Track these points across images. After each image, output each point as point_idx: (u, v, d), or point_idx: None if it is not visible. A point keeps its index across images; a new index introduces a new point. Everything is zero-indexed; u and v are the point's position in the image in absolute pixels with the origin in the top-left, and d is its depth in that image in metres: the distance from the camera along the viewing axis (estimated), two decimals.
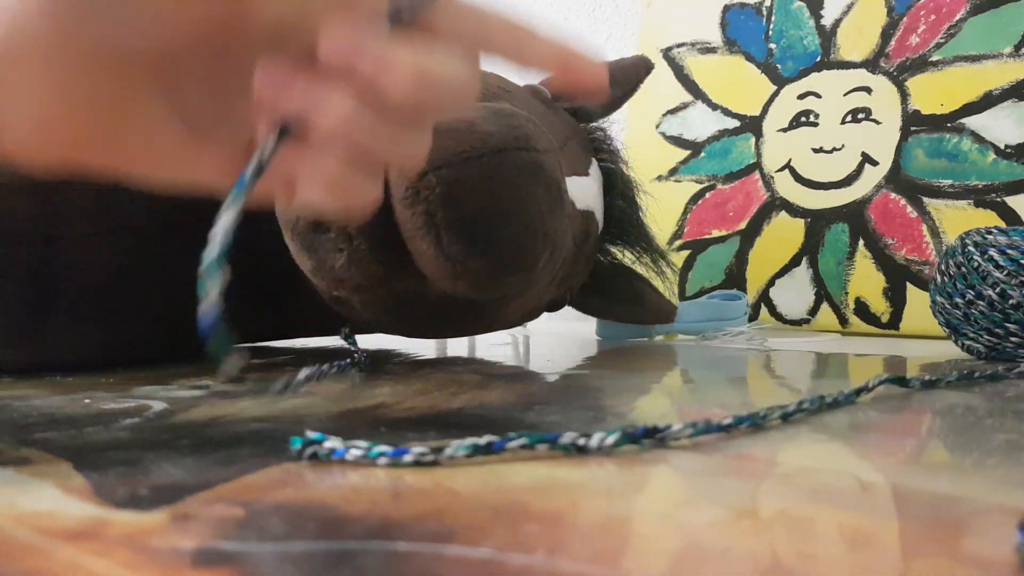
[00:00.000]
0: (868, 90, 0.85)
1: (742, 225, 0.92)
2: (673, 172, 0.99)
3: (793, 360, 0.55)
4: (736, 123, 0.95)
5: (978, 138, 0.77)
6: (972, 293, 0.51)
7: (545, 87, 0.58)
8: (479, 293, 0.41)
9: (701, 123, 0.98)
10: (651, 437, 0.25)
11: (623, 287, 0.64)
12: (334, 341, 0.60)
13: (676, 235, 0.96)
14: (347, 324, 0.54)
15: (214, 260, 0.22)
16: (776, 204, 0.90)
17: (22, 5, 0.20)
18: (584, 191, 0.52)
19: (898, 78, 0.84)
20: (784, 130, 0.91)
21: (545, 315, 0.59)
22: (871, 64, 0.86)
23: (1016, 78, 0.76)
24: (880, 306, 0.81)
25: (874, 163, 0.84)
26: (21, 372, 0.45)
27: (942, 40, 0.81)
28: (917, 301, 0.78)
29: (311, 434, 0.24)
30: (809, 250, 0.86)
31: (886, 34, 0.86)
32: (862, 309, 0.82)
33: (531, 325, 0.84)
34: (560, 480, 0.22)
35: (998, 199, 0.75)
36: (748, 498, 0.20)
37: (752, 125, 0.94)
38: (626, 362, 0.54)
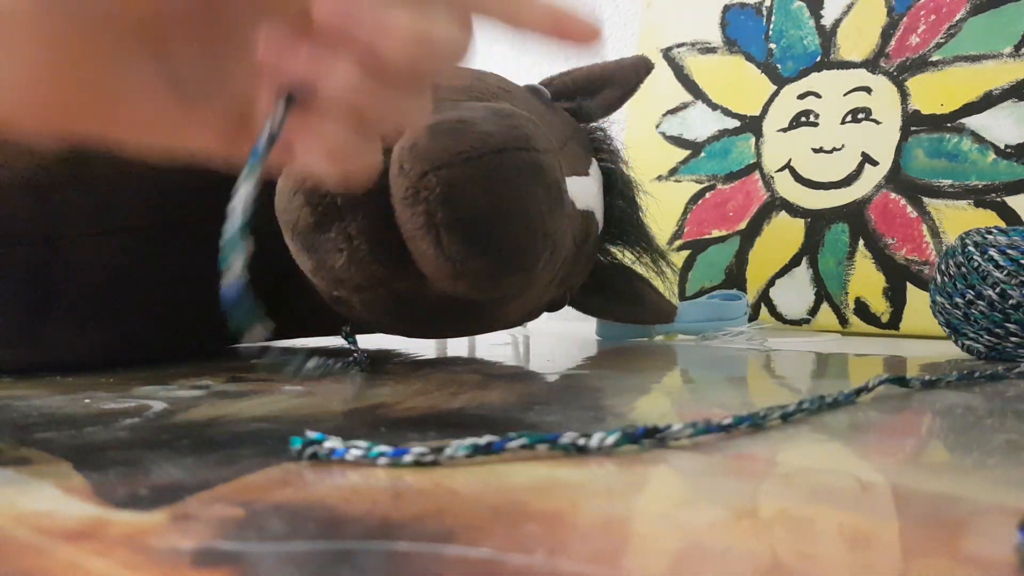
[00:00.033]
0: (868, 90, 0.85)
1: (742, 225, 0.92)
2: (673, 172, 0.99)
3: (793, 360, 0.55)
4: (736, 123, 0.95)
5: (978, 138, 0.77)
6: (972, 293, 0.51)
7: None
8: (479, 293, 0.41)
9: (701, 123, 0.98)
10: (651, 437, 0.25)
11: (623, 287, 0.64)
12: (334, 341, 0.60)
13: (676, 235, 0.96)
14: (347, 324, 0.54)
15: (236, 232, 0.22)
16: (776, 204, 0.90)
17: None
18: (584, 191, 0.52)
19: (898, 78, 0.84)
20: (784, 130, 0.91)
21: (545, 315, 0.59)
22: (871, 64, 0.86)
23: (1016, 78, 0.76)
24: (880, 306, 0.81)
25: (874, 163, 0.84)
26: (21, 372, 0.45)
27: (942, 40, 0.81)
28: (917, 301, 0.78)
29: (311, 434, 0.24)
30: (809, 250, 0.86)
31: (886, 34, 0.86)
32: (862, 309, 0.82)
33: (531, 325, 0.84)
34: (560, 480, 0.22)
35: (998, 199, 0.75)
36: (748, 498, 0.20)
37: (752, 125, 0.94)
38: (626, 362, 0.54)
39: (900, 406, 0.34)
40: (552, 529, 0.17)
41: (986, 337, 0.52)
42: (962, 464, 0.25)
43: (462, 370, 0.47)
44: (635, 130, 1.03)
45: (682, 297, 0.93)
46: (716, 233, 0.94)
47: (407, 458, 0.23)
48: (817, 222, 0.86)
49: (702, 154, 0.97)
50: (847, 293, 0.83)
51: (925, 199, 0.79)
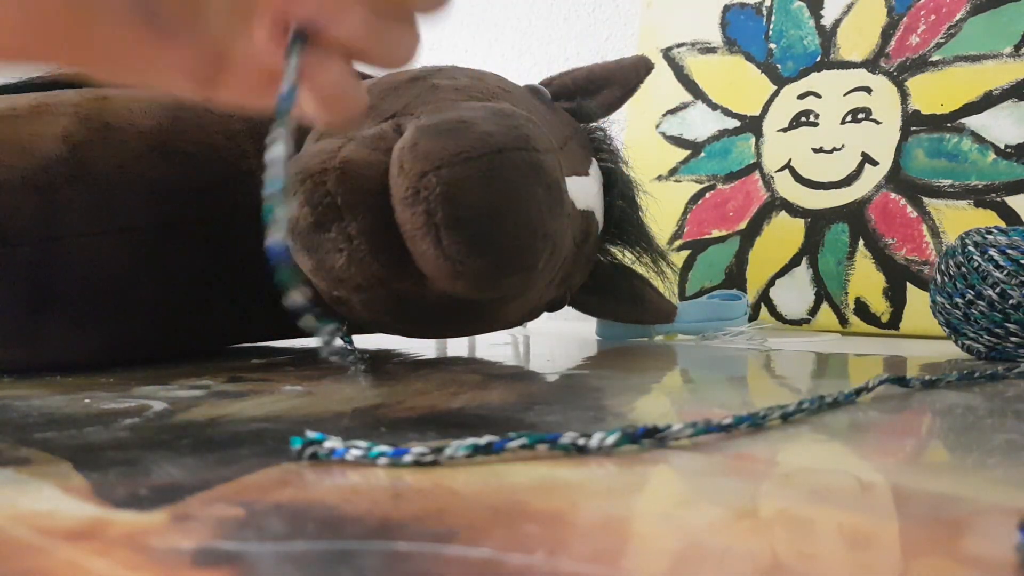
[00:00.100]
0: (868, 90, 0.85)
1: (742, 225, 0.92)
2: (673, 172, 0.99)
3: (793, 360, 0.55)
4: (736, 123, 0.95)
5: (978, 138, 0.77)
6: (972, 293, 0.51)
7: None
8: (479, 293, 0.41)
9: (701, 123, 0.98)
10: (651, 437, 0.25)
11: (623, 287, 0.64)
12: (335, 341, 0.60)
13: (676, 235, 0.96)
14: (343, 324, 0.54)
15: (280, 188, 0.22)
16: (776, 204, 0.90)
17: None
18: (584, 191, 0.52)
19: (898, 78, 0.84)
20: (784, 130, 0.91)
21: (545, 315, 0.59)
22: (871, 64, 0.86)
23: (1016, 78, 0.76)
24: (880, 306, 0.81)
25: (874, 163, 0.84)
26: (21, 372, 0.45)
27: (942, 40, 0.81)
28: (917, 301, 0.78)
29: (311, 434, 0.24)
30: (809, 250, 0.86)
31: (886, 34, 0.86)
32: (862, 309, 0.82)
33: (531, 325, 0.84)
34: (560, 480, 0.22)
35: (998, 199, 0.75)
36: (748, 498, 0.20)
37: (752, 125, 0.94)
38: (626, 362, 0.54)
39: (900, 406, 0.34)
40: (552, 529, 0.17)
41: (986, 337, 0.52)
42: (962, 464, 0.25)
43: (462, 370, 0.47)
44: (635, 130, 1.03)
45: (682, 297, 0.93)
46: (716, 233, 0.93)
47: (407, 458, 0.23)
48: (817, 222, 0.86)
49: (702, 154, 0.97)
50: (847, 293, 0.83)
51: (925, 199, 0.79)
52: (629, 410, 0.34)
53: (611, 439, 0.24)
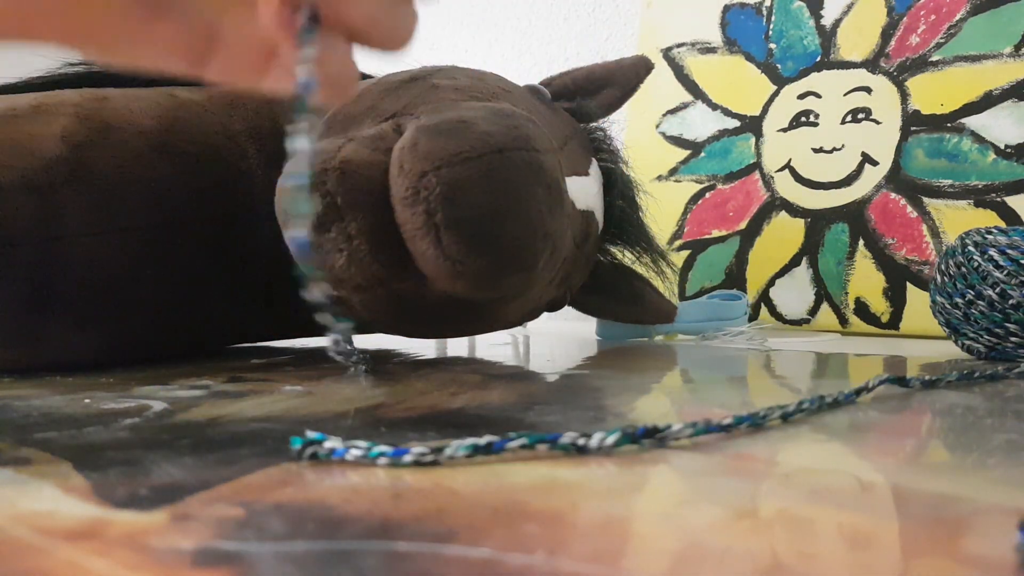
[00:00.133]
0: (868, 90, 0.85)
1: (742, 225, 0.92)
2: (673, 172, 0.99)
3: (793, 360, 0.55)
4: (736, 123, 0.95)
5: (978, 138, 0.77)
6: (972, 293, 0.51)
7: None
8: (479, 293, 0.41)
9: (701, 123, 0.98)
10: (651, 437, 0.25)
11: (623, 287, 0.64)
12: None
13: (676, 235, 0.96)
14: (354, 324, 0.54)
15: (303, 182, 0.22)
16: (776, 204, 0.90)
17: None
18: (584, 191, 0.52)
19: (898, 78, 0.84)
20: (784, 130, 0.91)
21: (545, 315, 0.59)
22: (871, 64, 0.86)
23: (1016, 78, 0.76)
24: (880, 306, 0.81)
25: (874, 163, 0.84)
26: (21, 372, 0.45)
27: (942, 40, 0.81)
28: (917, 301, 0.78)
29: (311, 434, 0.24)
30: (809, 250, 0.86)
31: (886, 34, 0.86)
32: (862, 309, 0.82)
33: (531, 325, 0.84)
34: (560, 480, 0.22)
35: (998, 199, 0.75)
36: (748, 498, 0.20)
37: (752, 125, 0.94)
38: (626, 362, 0.54)
39: (900, 406, 0.34)
40: (552, 529, 0.17)
41: (986, 337, 0.52)
42: (962, 464, 0.25)
43: (462, 370, 0.47)
44: (635, 130, 1.03)
45: (682, 297, 0.93)
46: (716, 233, 0.94)
47: (407, 458, 0.23)
48: (817, 222, 0.86)
49: (702, 154, 0.97)
50: (847, 293, 0.83)
51: (925, 199, 0.79)
52: (629, 410, 0.34)
53: (611, 439, 0.24)
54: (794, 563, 0.15)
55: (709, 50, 0.99)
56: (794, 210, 0.88)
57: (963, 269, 0.52)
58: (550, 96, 0.57)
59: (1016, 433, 0.28)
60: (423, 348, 0.61)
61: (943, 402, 0.35)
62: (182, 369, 0.46)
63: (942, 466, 0.25)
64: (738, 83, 0.96)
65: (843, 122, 0.87)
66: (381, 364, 0.50)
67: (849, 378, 0.47)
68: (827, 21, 0.90)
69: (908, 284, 0.79)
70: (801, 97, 0.90)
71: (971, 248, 0.52)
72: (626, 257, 0.64)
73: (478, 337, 0.70)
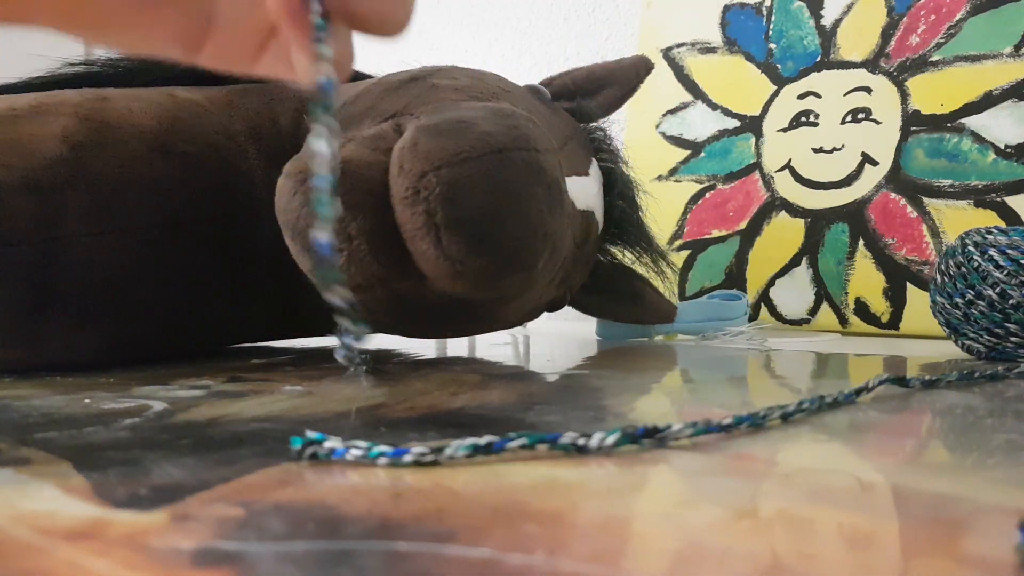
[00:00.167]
0: (868, 90, 0.85)
1: (742, 225, 0.92)
2: (673, 172, 0.99)
3: (793, 360, 0.55)
4: (736, 123, 0.95)
5: (978, 138, 0.77)
6: (972, 293, 0.51)
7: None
8: (479, 293, 0.41)
9: (701, 123, 0.98)
10: (651, 437, 0.25)
11: (623, 287, 0.64)
12: (334, 341, 0.60)
13: (676, 235, 0.96)
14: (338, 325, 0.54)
15: (327, 185, 0.22)
16: (776, 204, 0.90)
17: None
18: (584, 191, 0.52)
19: (898, 78, 0.84)
20: (784, 130, 0.91)
21: (545, 315, 0.59)
22: (871, 64, 0.86)
23: (1016, 78, 0.76)
24: (880, 306, 0.81)
25: (874, 163, 0.84)
26: (21, 372, 0.45)
27: (942, 40, 0.81)
28: (917, 301, 0.78)
29: (311, 434, 0.24)
30: (809, 250, 0.86)
31: (886, 34, 0.86)
32: (862, 309, 0.82)
33: (531, 325, 0.84)
34: (560, 480, 0.22)
35: (998, 199, 0.75)
36: (748, 498, 0.20)
37: (752, 125, 0.94)
38: (626, 362, 0.54)
39: (900, 406, 0.34)
40: (552, 529, 0.17)
41: (986, 337, 0.52)
42: (962, 464, 0.25)
43: (462, 370, 0.47)
44: (635, 130, 1.03)
45: (682, 297, 0.93)
46: (716, 233, 0.94)
47: (407, 458, 0.23)
48: (817, 222, 0.86)
49: (702, 154, 0.97)
50: (847, 293, 0.83)
51: (925, 199, 0.79)
52: (629, 410, 0.34)
53: (611, 439, 0.24)
54: (794, 563, 0.15)
55: (709, 50, 0.99)
56: (794, 210, 0.88)
57: (963, 269, 0.52)
58: (550, 96, 0.57)
59: (1016, 433, 0.28)
60: (423, 348, 0.61)
61: (943, 402, 0.35)
62: (182, 369, 0.46)
63: (942, 466, 0.25)
64: (738, 83, 0.96)
65: (843, 122, 0.87)
66: (381, 364, 0.50)
67: (849, 378, 0.47)
68: (827, 21, 0.90)
69: (908, 284, 0.79)
70: (801, 97, 0.90)
71: (971, 248, 0.52)
72: (626, 257, 0.64)
73: (478, 337, 0.70)
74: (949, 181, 0.78)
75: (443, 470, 0.22)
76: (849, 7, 0.89)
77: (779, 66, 0.93)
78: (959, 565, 0.15)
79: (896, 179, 0.82)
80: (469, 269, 0.38)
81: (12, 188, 0.43)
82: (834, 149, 0.87)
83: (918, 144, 0.81)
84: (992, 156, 0.76)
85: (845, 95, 0.87)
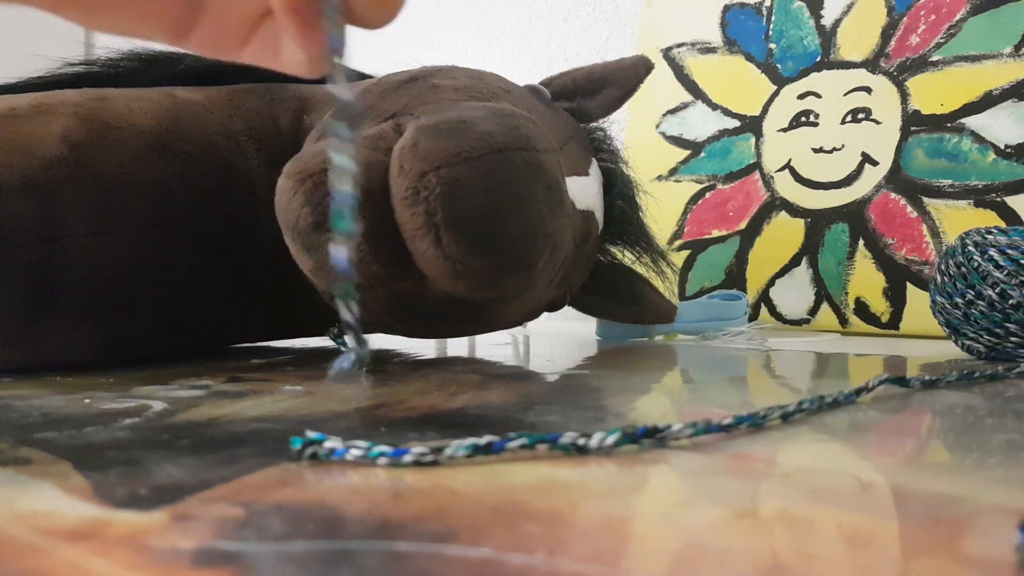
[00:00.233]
0: (868, 90, 0.85)
1: (742, 225, 0.92)
2: (673, 172, 0.99)
3: (793, 360, 0.55)
4: (736, 123, 0.95)
5: (978, 138, 0.77)
6: (972, 293, 0.51)
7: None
8: (479, 293, 0.41)
9: (701, 123, 0.98)
10: (651, 437, 0.25)
11: (623, 287, 0.64)
12: (331, 343, 0.60)
13: (676, 235, 0.96)
14: (336, 325, 0.54)
15: (350, 199, 0.22)
16: (776, 204, 0.90)
17: None
18: (584, 191, 0.52)
19: (898, 78, 0.84)
20: (784, 130, 0.91)
21: (545, 315, 0.59)
22: (871, 64, 0.86)
23: (1016, 78, 0.76)
24: (880, 306, 0.81)
25: (874, 163, 0.84)
26: (21, 372, 0.45)
27: (942, 40, 0.81)
28: (917, 301, 0.78)
29: (311, 434, 0.24)
30: (809, 250, 0.86)
31: (886, 34, 0.86)
32: (862, 309, 0.82)
33: (531, 325, 0.84)
34: (560, 480, 0.22)
35: (998, 199, 0.75)
36: (748, 498, 0.20)
37: (752, 125, 0.94)
38: (626, 362, 0.54)
39: (900, 406, 0.34)
40: (552, 529, 0.17)
41: (986, 337, 0.52)
42: (962, 464, 0.25)
43: (462, 370, 0.47)
44: (635, 130, 1.03)
45: (682, 297, 0.93)
46: (716, 233, 0.94)
47: (407, 458, 0.23)
48: (817, 222, 0.86)
49: (702, 154, 0.97)
50: (847, 293, 0.83)
51: (925, 199, 0.79)
52: (629, 410, 0.34)
53: (611, 439, 0.24)
54: (794, 563, 0.15)
55: (709, 50, 0.99)
56: (794, 210, 0.88)
57: (963, 269, 0.52)
58: (550, 96, 0.57)
59: (1016, 433, 0.28)
60: (423, 348, 0.61)
61: (943, 402, 0.35)
62: (182, 369, 0.46)
63: (942, 466, 0.25)
64: (738, 83, 0.96)
65: (843, 122, 0.87)
66: (381, 364, 0.50)
67: (849, 378, 0.47)
68: (827, 21, 0.90)
69: (908, 284, 0.79)
70: (801, 97, 0.90)
71: (971, 248, 0.52)
72: (626, 257, 0.64)
73: (478, 337, 0.70)
74: (949, 181, 0.78)
75: (443, 470, 0.22)
76: (849, 7, 0.89)
77: (779, 66, 0.93)
78: (959, 565, 0.15)
79: (896, 179, 0.82)
80: (469, 269, 0.38)
81: (12, 188, 0.43)
82: (834, 149, 0.87)
83: (918, 144, 0.81)
84: (992, 156, 0.76)
85: (845, 95, 0.87)
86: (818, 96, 0.89)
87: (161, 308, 0.49)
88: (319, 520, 0.18)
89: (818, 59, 0.90)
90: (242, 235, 0.50)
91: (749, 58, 0.96)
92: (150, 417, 0.31)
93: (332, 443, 0.24)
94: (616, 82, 0.62)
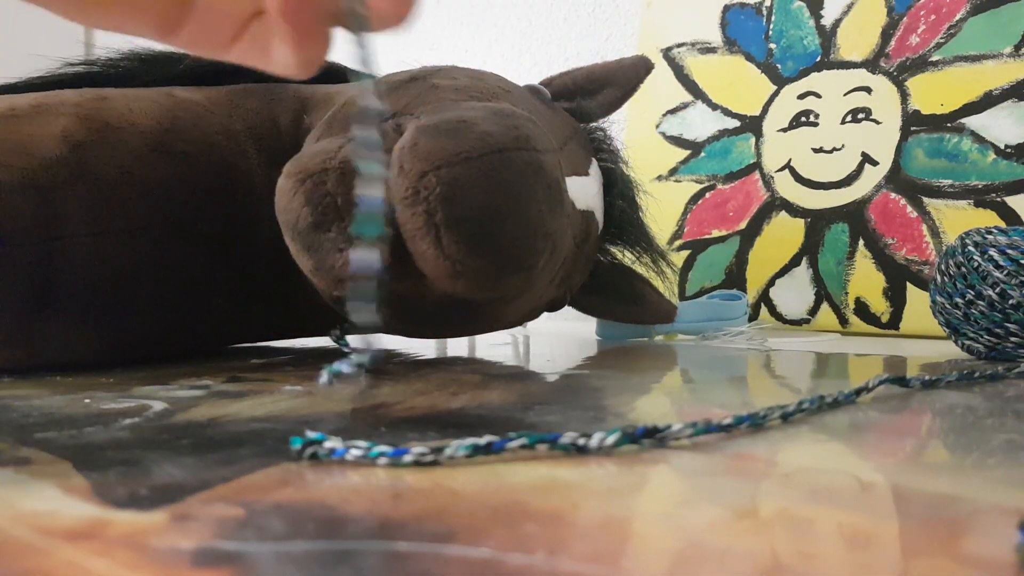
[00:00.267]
0: (868, 90, 0.85)
1: (742, 225, 0.92)
2: (673, 172, 0.99)
3: (793, 360, 0.55)
4: (736, 123, 0.95)
5: (978, 138, 0.77)
6: (972, 293, 0.51)
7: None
8: (479, 293, 0.41)
9: (701, 123, 0.98)
10: (651, 437, 0.25)
11: (623, 287, 0.64)
12: (333, 344, 0.60)
13: (676, 235, 0.96)
14: (338, 325, 0.54)
15: (379, 205, 0.22)
16: (776, 204, 0.90)
17: None
18: (584, 191, 0.52)
19: (898, 78, 0.84)
20: (784, 130, 0.91)
21: (545, 315, 0.59)
22: (871, 64, 0.86)
23: (1016, 78, 0.76)
24: (880, 306, 0.81)
25: (874, 163, 0.84)
26: (21, 372, 0.45)
27: (942, 40, 0.81)
28: (917, 301, 0.78)
29: (311, 434, 0.24)
30: (809, 250, 0.86)
31: (886, 34, 0.86)
32: (862, 309, 0.82)
33: (531, 325, 0.84)
34: (560, 480, 0.22)
35: (998, 199, 0.75)
36: (748, 498, 0.20)
37: (752, 125, 0.94)
38: (626, 362, 0.54)
39: (900, 406, 0.34)
40: (552, 529, 0.17)
41: (986, 337, 0.52)
42: (962, 464, 0.25)
43: (462, 370, 0.47)
44: (635, 130, 1.03)
45: (682, 297, 0.93)
46: (716, 233, 0.94)
47: (407, 458, 0.23)
48: (817, 222, 0.86)
49: (702, 154, 0.97)
50: (847, 293, 0.83)
51: (925, 199, 0.79)
52: (629, 410, 0.34)
53: (611, 439, 0.24)
54: (794, 563, 0.15)
55: (709, 50, 0.99)
56: (794, 210, 0.88)
57: (963, 269, 0.52)
58: (550, 96, 0.57)
59: (1016, 433, 0.28)
60: (423, 348, 0.61)
61: (943, 402, 0.35)
62: (182, 369, 0.46)
63: (942, 466, 0.25)
64: (738, 83, 0.96)
65: (843, 122, 0.87)
66: (381, 364, 0.50)
67: (849, 378, 0.47)
68: (827, 21, 0.90)
69: (908, 284, 0.79)
70: (801, 97, 0.90)
71: (971, 248, 0.52)
72: (626, 257, 0.64)
73: (478, 337, 0.70)
74: (949, 181, 0.78)
75: (443, 470, 0.22)
76: (849, 7, 0.89)
77: (779, 66, 0.93)
78: (959, 565, 0.15)
79: (896, 179, 0.82)
80: (469, 269, 0.38)
81: (12, 188, 0.43)
82: (834, 149, 0.87)
83: (918, 144, 0.81)
84: (992, 156, 0.76)
85: (845, 95, 0.87)
86: (818, 96, 0.89)
87: (161, 308, 0.49)
88: (319, 520, 0.18)
89: (818, 59, 0.90)
90: (242, 235, 0.50)
91: (749, 58, 0.96)
92: (150, 417, 0.31)
93: (332, 443, 0.24)
94: (616, 82, 0.62)
